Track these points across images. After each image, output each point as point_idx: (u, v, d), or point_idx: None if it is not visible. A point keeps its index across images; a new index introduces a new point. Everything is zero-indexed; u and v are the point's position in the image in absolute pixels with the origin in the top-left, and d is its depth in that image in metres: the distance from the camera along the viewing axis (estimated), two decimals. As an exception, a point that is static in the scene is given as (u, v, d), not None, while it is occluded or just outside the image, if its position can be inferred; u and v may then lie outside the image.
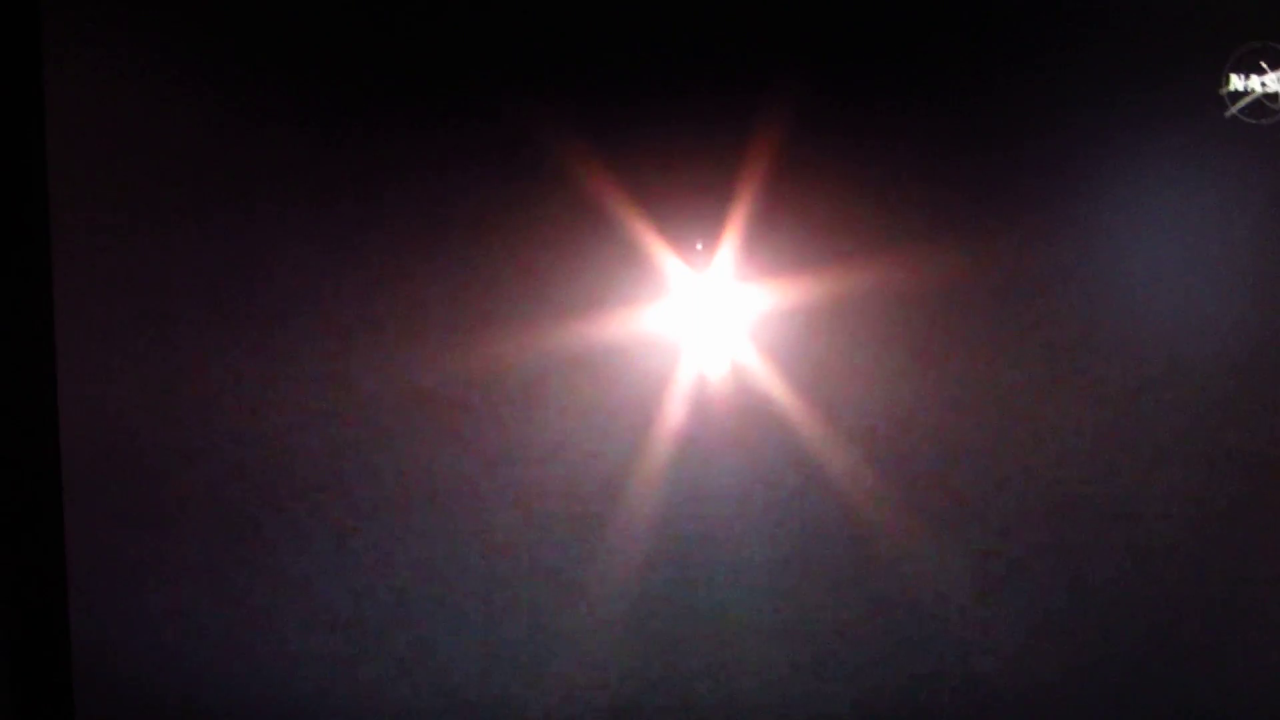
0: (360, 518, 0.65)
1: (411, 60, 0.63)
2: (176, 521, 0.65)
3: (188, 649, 0.66)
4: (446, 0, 0.63)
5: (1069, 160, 0.63)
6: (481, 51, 0.63)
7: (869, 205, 0.63)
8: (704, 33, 0.63)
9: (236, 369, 0.64)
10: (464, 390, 0.64)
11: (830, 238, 0.63)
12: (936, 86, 0.63)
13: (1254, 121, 0.62)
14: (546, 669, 0.66)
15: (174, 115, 0.64)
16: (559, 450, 0.64)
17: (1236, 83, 0.62)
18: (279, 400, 0.64)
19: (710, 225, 0.63)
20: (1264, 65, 0.62)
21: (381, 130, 0.63)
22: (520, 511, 0.65)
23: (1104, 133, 0.63)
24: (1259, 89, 0.62)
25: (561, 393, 0.64)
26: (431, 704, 0.66)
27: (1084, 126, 0.63)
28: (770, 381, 0.64)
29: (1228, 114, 0.63)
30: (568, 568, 0.65)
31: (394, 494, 0.65)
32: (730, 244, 0.63)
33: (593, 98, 0.63)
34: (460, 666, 0.65)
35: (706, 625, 0.65)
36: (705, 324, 0.64)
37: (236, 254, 0.64)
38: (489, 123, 0.63)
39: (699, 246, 0.63)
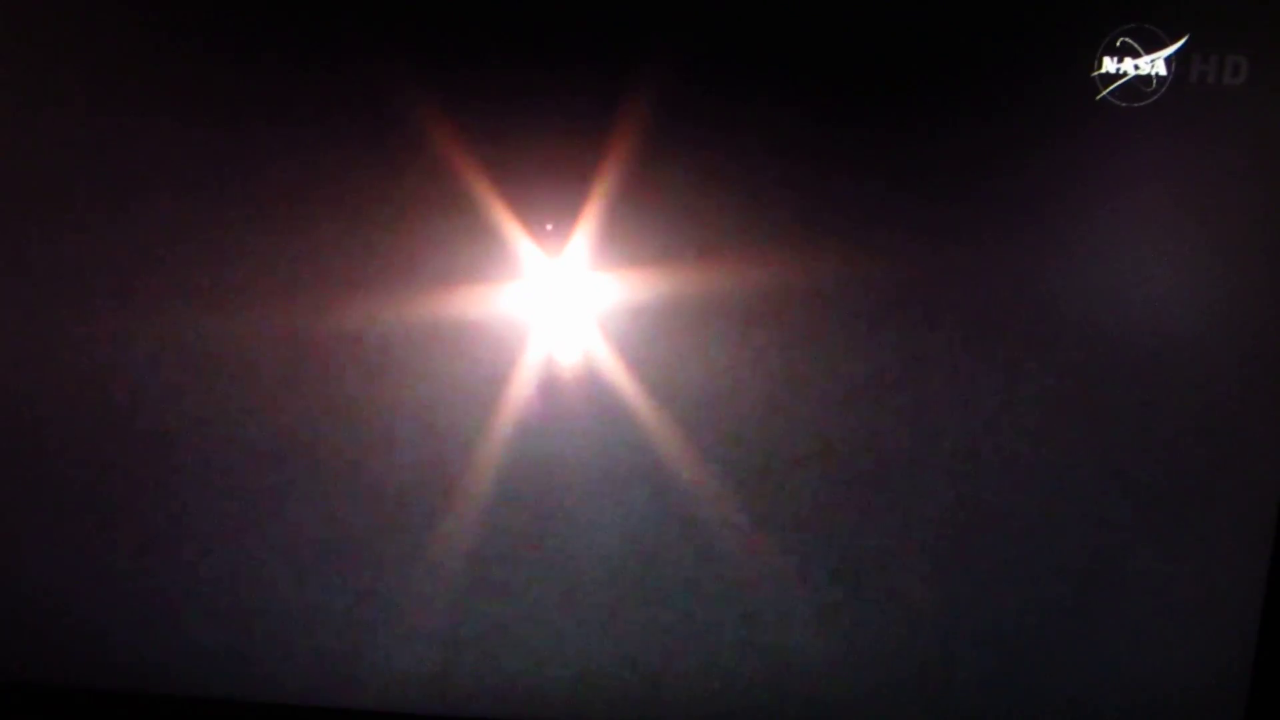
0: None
1: (263, 27, 0.65)
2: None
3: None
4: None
5: (934, 148, 0.63)
6: (337, 11, 0.64)
7: (730, 200, 0.64)
8: (576, 5, 0.63)
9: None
10: (311, 354, 0.68)
11: (687, 231, 0.64)
12: (805, 81, 0.63)
13: (1125, 105, 0.62)
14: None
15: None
16: (395, 426, 0.68)
17: (1110, 65, 0.62)
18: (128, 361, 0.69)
19: (567, 209, 0.64)
20: (1137, 47, 0.62)
21: (234, 102, 0.66)
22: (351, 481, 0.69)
23: (969, 129, 0.63)
24: (1132, 71, 0.62)
25: (405, 363, 0.67)
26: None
27: (954, 115, 0.63)
28: (613, 371, 0.66)
29: (1099, 97, 0.62)
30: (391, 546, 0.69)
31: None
32: (585, 231, 0.65)
33: (452, 65, 0.64)
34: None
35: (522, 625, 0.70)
36: (552, 309, 0.66)
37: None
38: (341, 88, 0.65)
39: (548, 227, 0.64)
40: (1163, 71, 0.62)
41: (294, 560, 0.70)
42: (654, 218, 0.64)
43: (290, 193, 0.66)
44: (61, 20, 0.66)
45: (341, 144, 0.65)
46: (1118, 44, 0.62)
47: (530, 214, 0.65)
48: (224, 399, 0.69)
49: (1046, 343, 0.64)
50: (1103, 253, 0.63)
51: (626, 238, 0.65)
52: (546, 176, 0.64)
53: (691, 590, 0.68)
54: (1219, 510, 0.64)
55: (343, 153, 0.65)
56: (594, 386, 0.66)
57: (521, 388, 0.67)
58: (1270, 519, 0.64)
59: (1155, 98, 0.62)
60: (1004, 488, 0.65)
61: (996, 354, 0.64)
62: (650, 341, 0.66)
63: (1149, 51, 0.61)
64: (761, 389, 0.66)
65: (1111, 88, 0.62)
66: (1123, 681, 0.67)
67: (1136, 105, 0.62)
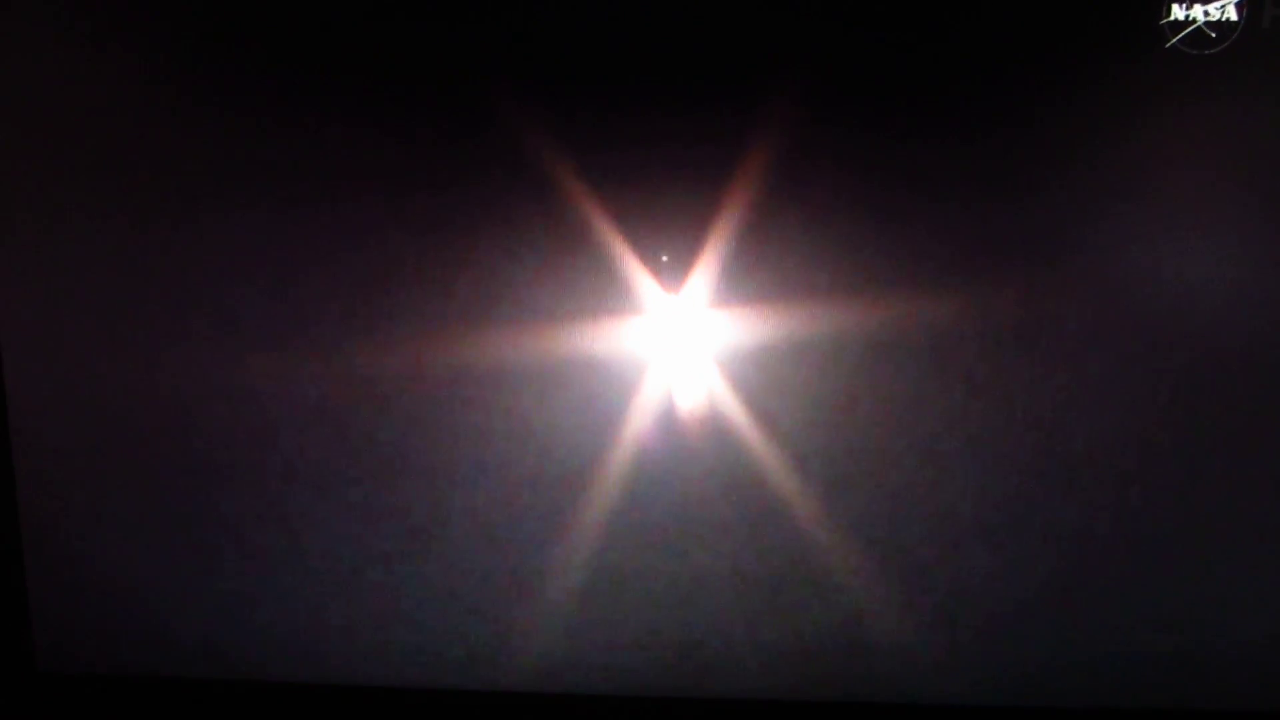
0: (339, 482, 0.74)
1: (389, 55, 0.66)
2: (132, 468, 0.75)
3: (147, 596, 0.77)
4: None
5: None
6: (462, 49, 0.65)
7: (851, 242, 0.65)
8: (701, 44, 0.63)
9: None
10: (429, 384, 0.70)
11: (809, 272, 0.66)
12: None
13: (1198, 52, 0.61)
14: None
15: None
16: (518, 456, 0.71)
17: (1178, 12, 0.61)
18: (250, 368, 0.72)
19: (687, 245, 0.66)
20: (1206, -7, 0.60)
21: (354, 127, 0.67)
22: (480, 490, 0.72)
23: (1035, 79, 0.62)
24: (1201, 17, 0.60)
25: (525, 396, 0.70)
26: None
27: (1014, 74, 0.62)
28: (732, 408, 0.69)
29: (1168, 45, 0.61)
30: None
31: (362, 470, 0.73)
32: (706, 267, 0.66)
33: (580, 103, 0.65)
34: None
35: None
36: (672, 344, 0.68)
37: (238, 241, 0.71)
38: (465, 121, 0.66)
39: (664, 259, 0.66)
40: (1234, 17, 0.60)
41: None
42: (775, 254, 0.66)
43: (419, 227, 0.68)
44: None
45: (464, 177, 0.67)
46: (1186, -9, 0.60)
47: (647, 248, 0.67)
48: (341, 432, 0.73)
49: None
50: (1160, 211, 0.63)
51: (746, 274, 0.67)
52: (667, 213, 0.66)
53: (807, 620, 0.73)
54: None
55: (477, 195, 0.67)
56: (711, 422, 0.69)
57: (639, 423, 0.70)
58: None
59: (1227, 44, 0.61)
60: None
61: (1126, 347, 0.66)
62: (767, 377, 0.68)
63: (1217, -2, 0.60)
64: (875, 424, 0.68)
65: (1180, 35, 0.61)
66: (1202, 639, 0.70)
67: (1207, 53, 0.61)
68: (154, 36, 0.67)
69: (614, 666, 0.75)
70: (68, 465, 0.76)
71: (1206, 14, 0.61)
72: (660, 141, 0.65)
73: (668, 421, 0.70)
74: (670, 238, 0.66)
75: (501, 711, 0.78)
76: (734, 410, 0.69)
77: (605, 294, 0.68)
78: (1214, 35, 0.61)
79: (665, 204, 0.66)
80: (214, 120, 0.68)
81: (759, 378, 0.68)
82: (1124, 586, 0.69)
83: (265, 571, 0.76)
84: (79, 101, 0.69)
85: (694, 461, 0.70)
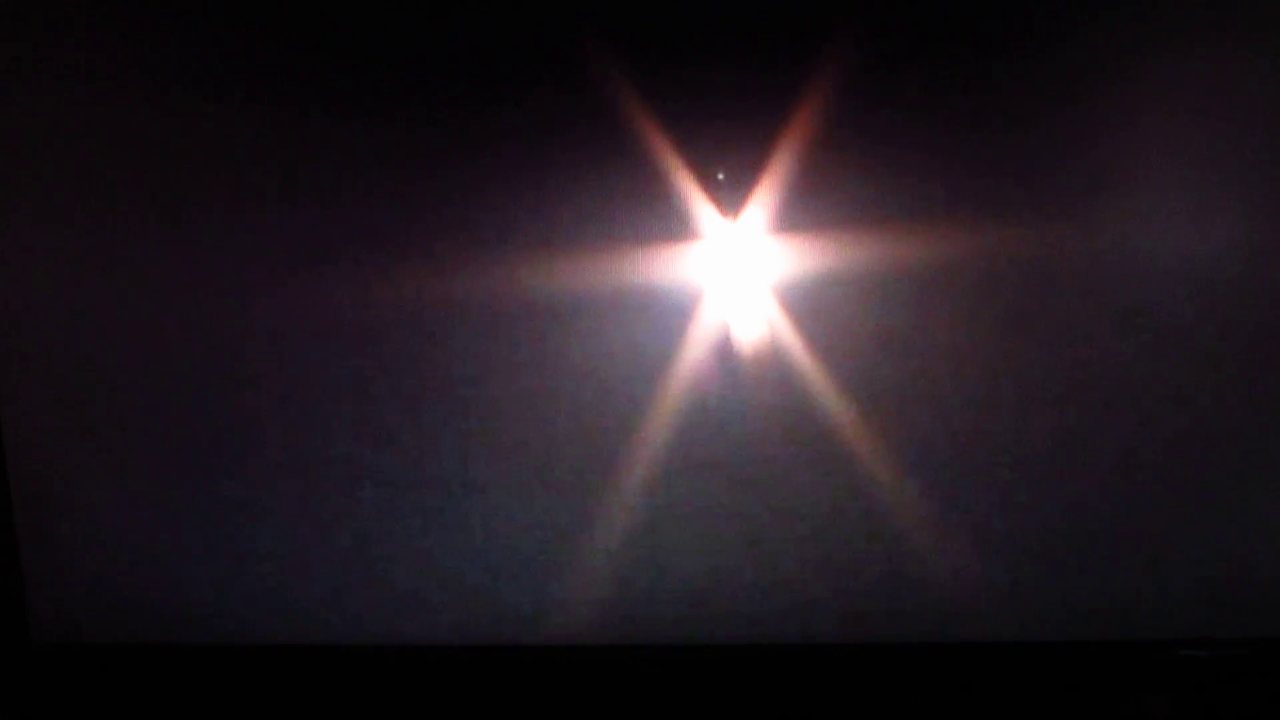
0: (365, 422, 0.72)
1: None
2: (124, 435, 0.74)
3: (140, 561, 0.76)
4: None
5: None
6: None
7: (913, 176, 0.66)
8: None
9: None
10: (452, 309, 0.70)
11: (867, 203, 0.66)
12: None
13: None
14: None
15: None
16: (570, 379, 0.70)
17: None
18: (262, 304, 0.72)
19: (744, 171, 0.66)
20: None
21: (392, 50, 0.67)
22: (527, 427, 0.71)
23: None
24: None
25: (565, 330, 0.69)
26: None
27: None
28: (786, 338, 0.68)
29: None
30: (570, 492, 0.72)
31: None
32: (765, 190, 0.66)
33: (634, 23, 0.65)
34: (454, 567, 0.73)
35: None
36: (726, 271, 0.67)
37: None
38: (502, 34, 0.66)
39: (720, 176, 0.65)
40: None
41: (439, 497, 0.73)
42: (836, 181, 0.66)
43: (447, 150, 0.68)
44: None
45: (525, 104, 0.66)
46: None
47: (704, 167, 0.66)
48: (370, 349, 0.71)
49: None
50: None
51: (807, 202, 0.66)
52: (727, 135, 0.65)
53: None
54: None
55: (527, 112, 0.66)
56: (765, 356, 0.69)
57: (693, 353, 0.69)
58: None
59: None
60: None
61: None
62: (821, 310, 0.68)
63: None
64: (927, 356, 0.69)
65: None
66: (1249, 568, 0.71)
67: None
68: None
69: (662, 617, 0.74)
70: (59, 442, 0.75)
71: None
72: (720, 64, 0.65)
73: (721, 356, 0.69)
74: (727, 158, 0.66)
75: (552, 665, 0.76)
76: (789, 343, 0.68)
77: (656, 216, 0.67)
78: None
79: (723, 123, 0.65)
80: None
81: (813, 310, 0.68)
82: (1169, 517, 0.71)
83: (278, 531, 0.75)
84: (64, 84, 0.69)
85: (747, 398, 0.70)
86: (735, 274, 0.67)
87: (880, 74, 0.65)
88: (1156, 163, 0.66)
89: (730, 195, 0.66)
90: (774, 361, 0.69)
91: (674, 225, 0.67)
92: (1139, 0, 0.64)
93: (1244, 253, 0.67)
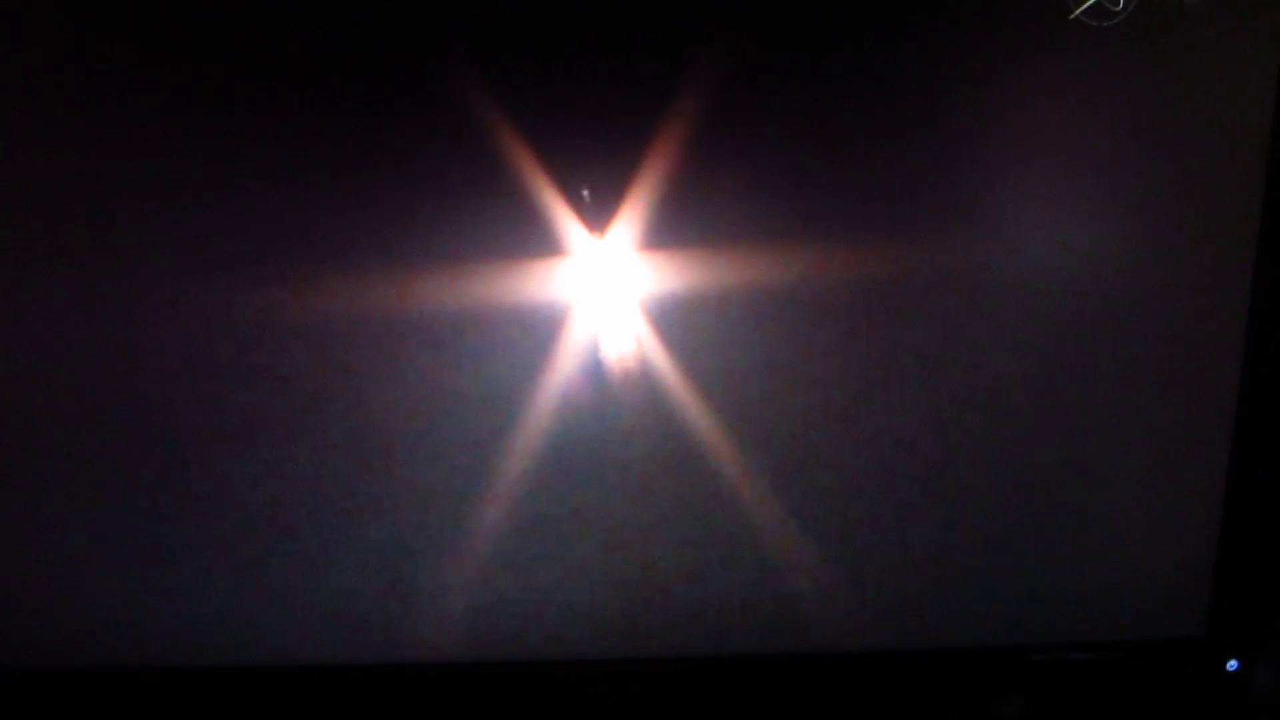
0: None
1: None
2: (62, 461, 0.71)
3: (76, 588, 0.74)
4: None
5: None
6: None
7: (775, 196, 0.66)
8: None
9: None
10: (321, 329, 0.69)
11: (734, 221, 0.67)
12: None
13: (1095, 24, 0.66)
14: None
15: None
16: (436, 395, 0.69)
17: (1081, -15, 0.65)
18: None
19: (609, 190, 0.65)
20: (1106, -32, 0.65)
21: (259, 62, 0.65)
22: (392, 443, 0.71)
23: (951, 50, 0.66)
24: (1101, -9, 0.65)
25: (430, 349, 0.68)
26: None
27: (933, 43, 0.65)
28: (652, 352, 0.69)
29: (1071, 16, 0.66)
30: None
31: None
32: (628, 212, 0.66)
33: (508, 40, 0.64)
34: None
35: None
36: (595, 290, 0.68)
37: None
38: (373, 58, 0.64)
39: (585, 194, 0.65)
40: (1130, -9, 0.65)
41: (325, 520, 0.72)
42: (700, 202, 0.66)
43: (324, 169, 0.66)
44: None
45: (394, 122, 0.65)
46: (1088, -35, 0.65)
47: (571, 186, 0.66)
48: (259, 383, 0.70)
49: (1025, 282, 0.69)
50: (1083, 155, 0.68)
51: (669, 221, 0.66)
52: (592, 153, 0.65)
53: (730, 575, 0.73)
54: (1178, 411, 0.71)
55: (396, 132, 0.65)
56: (634, 367, 0.69)
57: (562, 368, 0.69)
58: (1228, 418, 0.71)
59: (1122, 15, 0.65)
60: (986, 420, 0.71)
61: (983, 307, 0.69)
62: (692, 328, 0.68)
63: (1117, -29, 0.65)
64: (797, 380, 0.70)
65: (1084, 6, 0.65)
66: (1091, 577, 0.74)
67: (1105, 24, 0.66)
68: None
69: (539, 634, 0.74)
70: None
71: (1106, -12, 0.65)
72: (590, 85, 0.64)
73: (590, 374, 0.69)
74: (594, 175, 0.65)
75: (421, 683, 0.76)
76: (655, 358, 0.69)
77: (523, 234, 0.67)
78: (1116, 9, 0.66)
79: (590, 142, 0.65)
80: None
81: (684, 328, 0.68)
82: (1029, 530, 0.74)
83: (184, 553, 0.73)
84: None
85: (616, 417, 0.70)
86: (602, 289, 0.67)
87: (747, 93, 0.65)
88: (1017, 184, 0.68)
89: (597, 213, 0.66)
90: (640, 376, 0.69)
91: (542, 242, 0.67)
92: (996, 20, 0.66)
93: (1095, 272, 0.69)
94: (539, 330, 0.68)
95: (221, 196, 0.66)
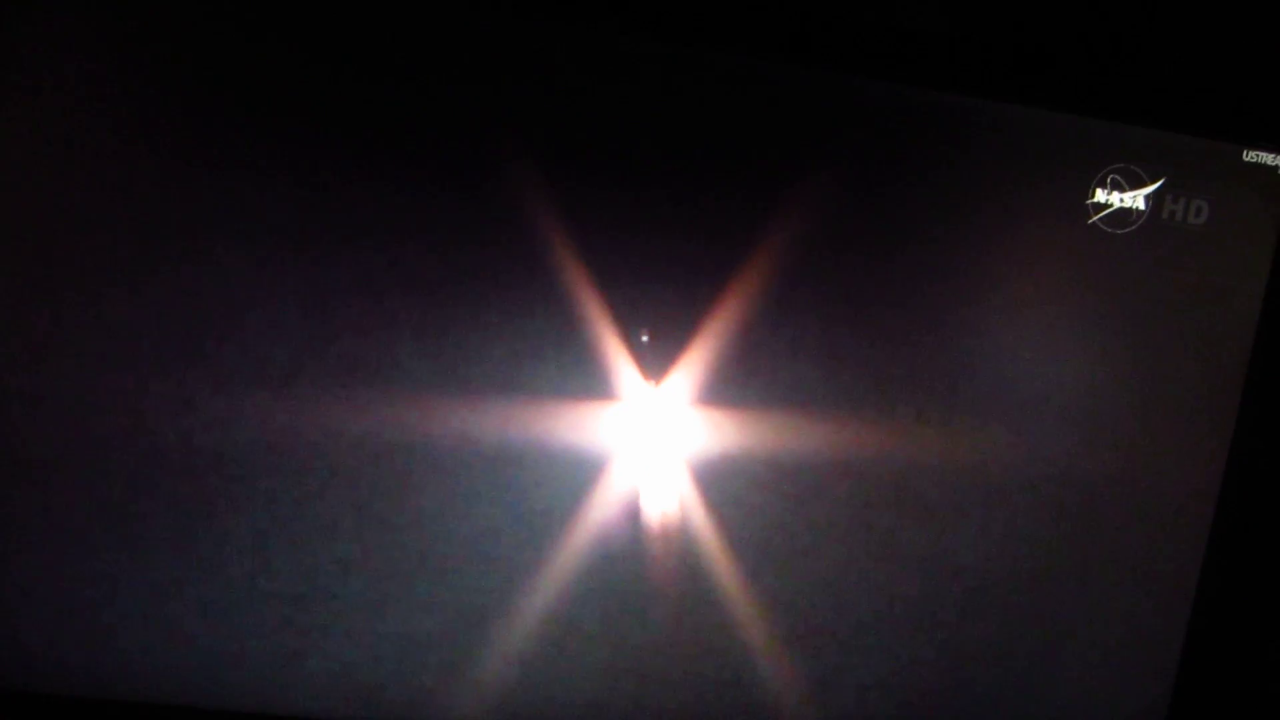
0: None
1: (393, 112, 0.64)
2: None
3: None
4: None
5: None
6: (464, 105, 0.64)
7: (843, 366, 0.69)
8: (718, 143, 0.66)
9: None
10: (368, 451, 0.67)
11: (789, 388, 0.69)
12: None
13: (1112, 230, 0.73)
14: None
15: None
16: (472, 529, 0.69)
17: (1100, 196, 0.73)
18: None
19: (672, 340, 0.67)
20: (1124, 183, 0.73)
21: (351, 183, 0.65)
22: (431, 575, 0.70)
23: (989, 237, 0.73)
24: (1118, 203, 0.73)
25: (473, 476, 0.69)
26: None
27: (973, 231, 0.72)
28: (690, 505, 0.70)
29: (1090, 221, 0.73)
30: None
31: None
32: (690, 361, 0.67)
33: (583, 172, 0.65)
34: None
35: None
36: (641, 438, 0.68)
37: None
38: (458, 180, 0.65)
39: (644, 338, 0.66)
40: (1142, 206, 0.73)
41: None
42: (764, 362, 0.68)
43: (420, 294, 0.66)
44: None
45: (467, 249, 0.65)
46: (1108, 179, 0.73)
47: (631, 327, 0.67)
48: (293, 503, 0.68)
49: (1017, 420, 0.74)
50: (1086, 343, 0.74)
51: (730, 377, 0.68)
52: (660, 301, 0.67)
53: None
54: (1142, 555, 0.76)
55: (469, 259, 0.65)
56: (673, 520, 0.70)
57: (599, 512, 0.69)
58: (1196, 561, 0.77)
59: (1135, 227, 0.73)
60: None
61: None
62: (728, 480, 0.70)
63: (1133, 188, 0.73)
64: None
65: (1101, 214, 0.73)
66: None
67: (1120, 232, 0.74)
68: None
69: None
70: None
71: (1122, 200, 0.73)
72: (661, 229, 0.66)
73: (627, 517, 0.69)
74: (656, 323, 0.67)
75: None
76: (693, 512, 0.69)
77: (578, 372, 0.67)
78: (1128, 219, 0.73)
79: (657, 289, 0.66)
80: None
81: (720, 482, 0.69)
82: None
83: (161, 601, 0.70)
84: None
85: (645, 560, 0.70)
86: (650, 438, 0.68)
87: (822, 258, 0.68)
88: (1027, 352, 0.74)
89: (653, 359, 0.67)
90: (678, 530, 0.70)
91: (595, 383, 0.68)
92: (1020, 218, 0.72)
93: (1058, 409, 0.74)
94: (582, 470, 0.68)
95: (256, 311, 0.65)
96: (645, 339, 0.66)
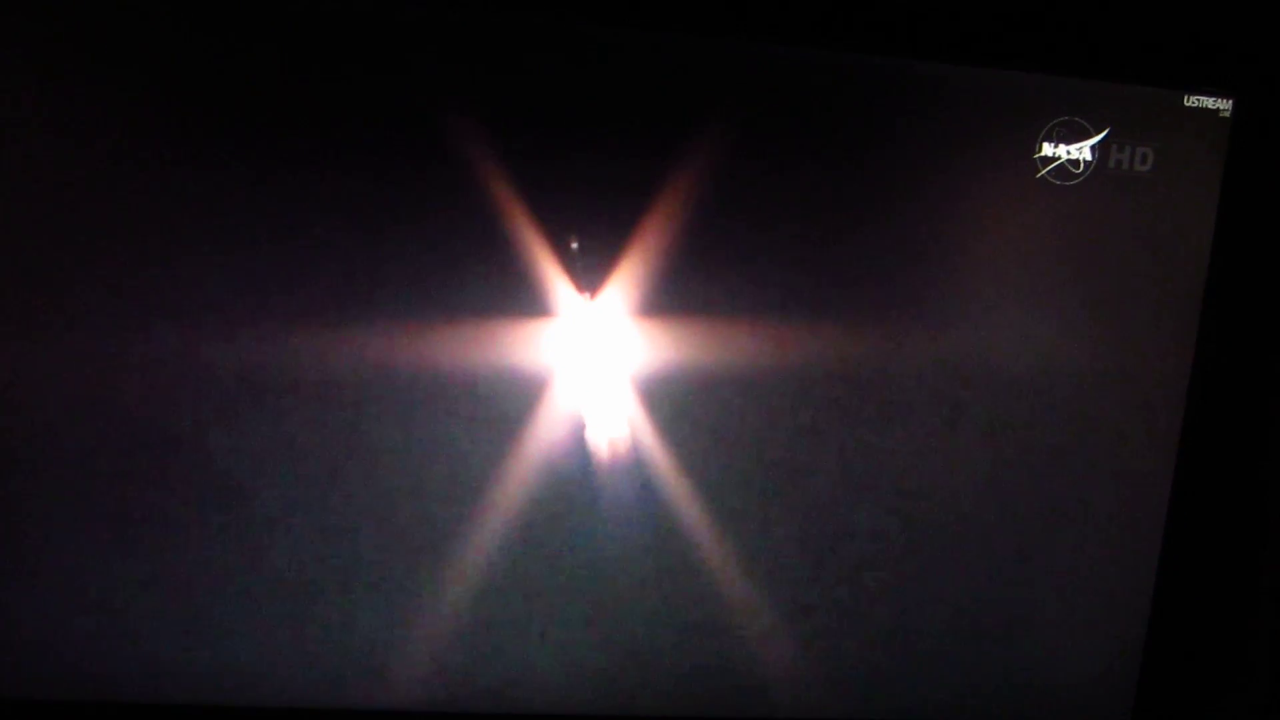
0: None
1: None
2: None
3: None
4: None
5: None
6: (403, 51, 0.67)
7: (769, 273, 0.71)
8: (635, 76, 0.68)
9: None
10: (303, 386, 0.68)
11: (723, 295, 0.70)
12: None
13: (1061, 183, 0.75)
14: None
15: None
16: (413, 457, 0.70)
17: (1047, 150, 0.74)
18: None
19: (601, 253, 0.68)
20: (1069, 135, 0.74)
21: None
22: (373, 503, 0.70)
23: (942, 199, 0.74)
24: (1065, 155, 0.74)
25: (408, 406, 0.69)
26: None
27: (925, 195, 0.74)
28: (636, 420, 0.70)
29: (1038, 175, 0.75)
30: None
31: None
32: (620, 277, 0.68)
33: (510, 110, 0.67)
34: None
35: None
36: (581, 353, 0.69)
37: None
38: (368, 110, 0.67)
39: (574, 245, 0.67)
40: (1089, 157, 0.75)
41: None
42: (692, 274, 0.69)
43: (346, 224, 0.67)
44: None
45: (394, 176, 0.67)
46: (1054, 133, 0.74)
47: (561, 236, 0.68)
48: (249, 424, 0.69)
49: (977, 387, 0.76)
50: (1042, 298, 0.76)
51: (662, 288, 0.69)
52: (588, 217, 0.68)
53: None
54: (1107, 518, 0.77)
55: (394, 185, 0.67)
56: (619, 437, 0.70)
57: (543, 432, 0.70)
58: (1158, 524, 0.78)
59: (1083, 178, 0.75)
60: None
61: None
62: (668, 391, 0.70)
63: (1078, 140, 0.74)
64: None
65: (1049, 168, 0.75)
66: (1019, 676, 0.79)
67: (1069, 184, 0.75)
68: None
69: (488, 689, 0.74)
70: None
71: (1068, 152, 0.75)
72: (595, 151, 0.67)
73: (572, 439, 0.70)
74: (588, 231, 0.67)
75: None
76: (638, 426, 0.70)
77: (508, 291, 0.68)
78: (1075, 170, 0.75)
79: (584, 200, 0.67)
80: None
81: (661, 395, 0.70)
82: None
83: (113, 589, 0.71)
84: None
85: (593, 481, 0.71)
86: (589, 352, 0.68)
87: (749, 165, 0.69)
88: (971, 298, 0.75)
89: (587, 272, 0.68)
90: (624, 446, 0.70)
91: (529, 301, 0.69)
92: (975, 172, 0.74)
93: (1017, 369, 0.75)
94: (526, 389, 0.69)
95: (194, 245, 0.67)
96: (575, 246, 0.67)
